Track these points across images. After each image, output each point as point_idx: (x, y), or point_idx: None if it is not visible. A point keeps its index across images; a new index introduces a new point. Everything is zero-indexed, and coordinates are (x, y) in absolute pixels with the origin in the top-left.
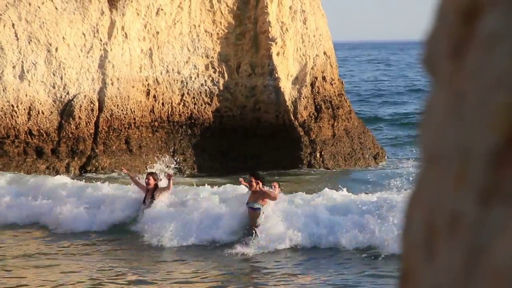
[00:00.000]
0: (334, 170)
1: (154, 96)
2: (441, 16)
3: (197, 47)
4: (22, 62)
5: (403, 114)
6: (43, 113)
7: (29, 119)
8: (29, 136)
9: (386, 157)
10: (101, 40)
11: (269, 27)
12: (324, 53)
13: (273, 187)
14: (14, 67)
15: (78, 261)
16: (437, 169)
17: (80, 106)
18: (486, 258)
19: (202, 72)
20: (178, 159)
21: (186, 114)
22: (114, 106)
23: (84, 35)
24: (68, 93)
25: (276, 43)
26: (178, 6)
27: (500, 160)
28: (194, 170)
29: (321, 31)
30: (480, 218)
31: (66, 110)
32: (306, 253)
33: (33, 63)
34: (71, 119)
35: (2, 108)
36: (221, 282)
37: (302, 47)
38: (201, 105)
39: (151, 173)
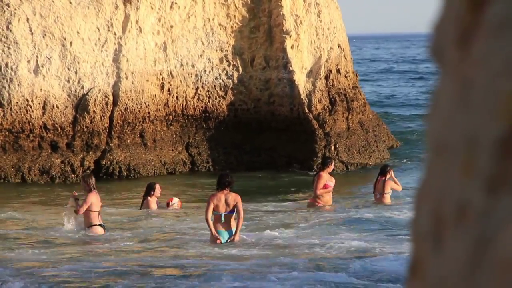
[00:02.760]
0: (349, 170)
1: (169, 90)
2: (449, 3)
3: (211, 41)
4: (37, 56)
5: None
6: (57, 108)
7: (43, 113)
8: (44, 131)
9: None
10: (115, 34)
11: (283, 20)
12: (339, 45)
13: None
14: (28, 61)
15: None
16: (444, 159)
17: (95, 100)
18: (494, 248)
19: (216, 65)
20: (193, 153)
21: (201, 108)
22: (129, 100)
23: (99, 29)
24: (82, 87)
25: (290, 36)
26: (192, 0)
27: (508, 149)
28: (209, 164)
29: (335, 24)
30: (487, 208)
31: (81, 104)
32: None
33: (47, 58)
34: (85, 113)
35: (17, 102)
36: None
37: (316, 40)
38: (216, 99)
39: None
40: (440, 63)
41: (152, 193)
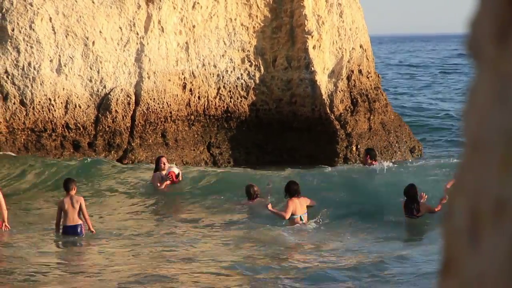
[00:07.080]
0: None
1: (190, 90)
2: None
3: (233, 41)
4: (59, 56)
5: None
6: (80, 107)
7: (66, 112)
8: (66, 130)
9: (422, 150)
10: (137, 34)
11: (305, 21)
12: (361, 46)
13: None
14: (51, 60)
15: None
16: (481, 155)
17: (117, 100)
18: None
19: (238, 65)
20: (214, 153)
21: (222, 108)
22: (151, 99)
23: (121, 29)
24: (104, 87)
25: (312, 37)
26: (215, 0)
27: None
28: (230, 164)
29: (357, 24)
30: None
31: (103, 104)
32: None
33: (70, 57)
34: (107, 112)
35: (39, 101)
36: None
37: (338, 40)
38: (237, 99)
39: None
40: (477, 58)
41: (162, 166)
